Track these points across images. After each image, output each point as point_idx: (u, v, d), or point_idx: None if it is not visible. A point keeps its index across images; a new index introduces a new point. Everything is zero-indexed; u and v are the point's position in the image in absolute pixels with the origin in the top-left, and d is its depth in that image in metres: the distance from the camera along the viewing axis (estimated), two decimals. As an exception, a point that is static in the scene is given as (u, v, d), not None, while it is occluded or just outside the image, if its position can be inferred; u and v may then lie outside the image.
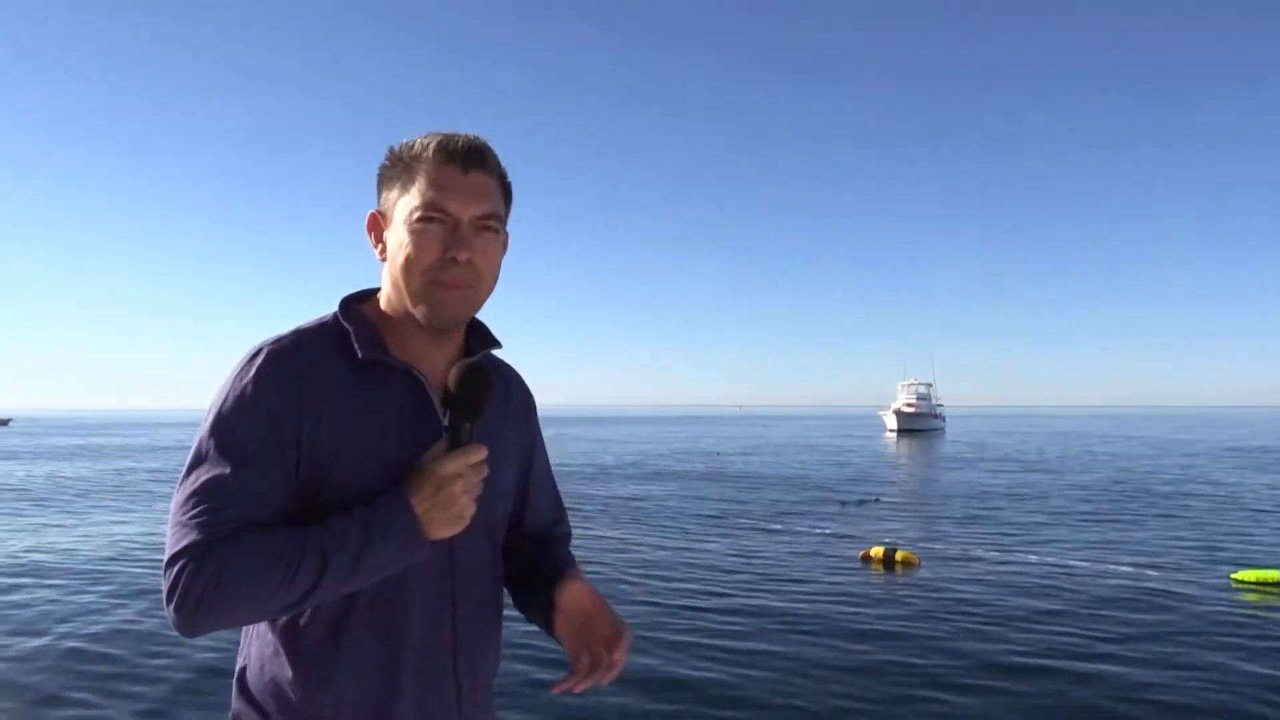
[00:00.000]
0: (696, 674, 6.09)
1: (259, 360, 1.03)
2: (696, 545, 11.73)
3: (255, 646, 1.10)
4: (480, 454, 1.03)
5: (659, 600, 8.43)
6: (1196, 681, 5.89)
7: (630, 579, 9.43)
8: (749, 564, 10.36)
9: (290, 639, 1.06)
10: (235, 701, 1.11)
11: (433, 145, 1.07)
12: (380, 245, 1.13)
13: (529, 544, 1.35)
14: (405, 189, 1.08)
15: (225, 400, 1.02)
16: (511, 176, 1.17)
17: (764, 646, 6.75)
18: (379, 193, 1.13)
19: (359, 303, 1.16)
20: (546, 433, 63.54)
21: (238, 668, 1.12)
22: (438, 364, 1.15)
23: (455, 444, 1.04)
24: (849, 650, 6.66)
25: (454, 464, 1.01)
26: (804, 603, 8.29)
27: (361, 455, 1.04)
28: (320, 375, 1.05)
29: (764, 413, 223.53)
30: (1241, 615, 7.76)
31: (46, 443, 44.50)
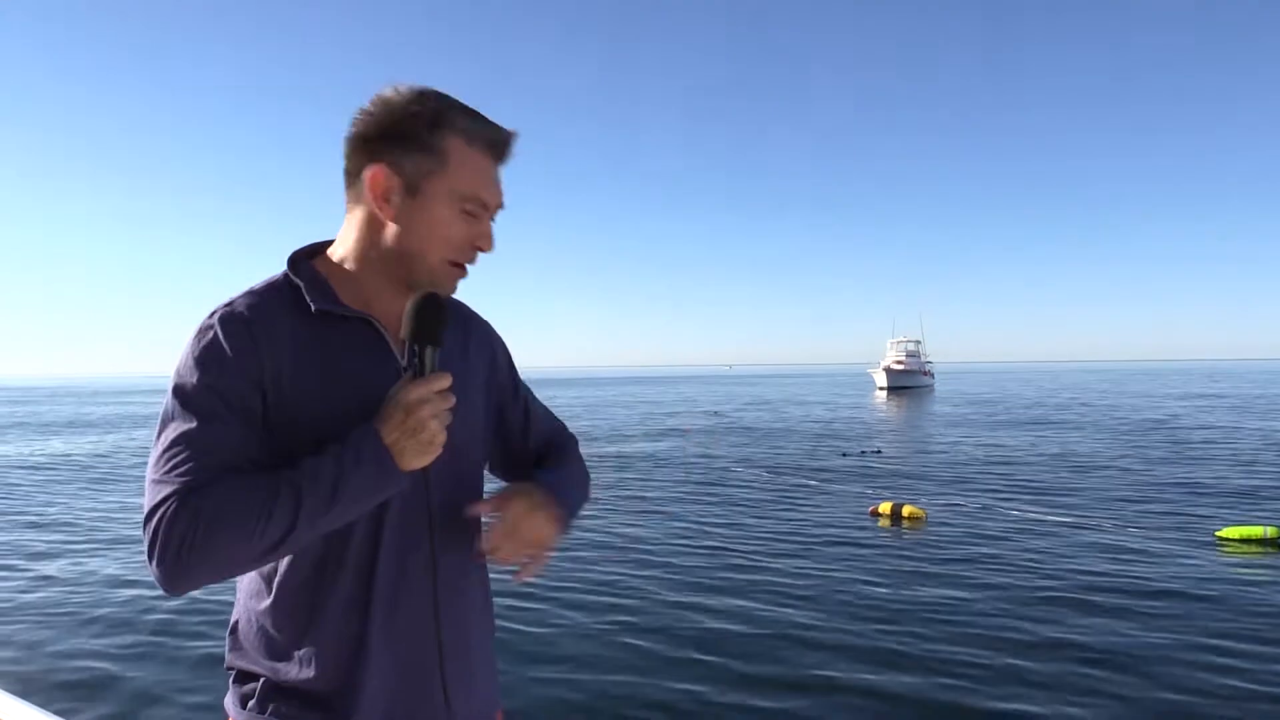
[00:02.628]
0: (715, 632, 6.31)
1: (214, 323, 1.05)
2: (706, 503, 11.96)
3: (244, 598, 1.13)
4: (444, 380, 1.04)
5: (670, 558, 8.65)
6: (1175, 638, 6.14)
7: (642, 536, 9.66)
8: (760, 522, 10.57)
9: (274, 586, 1.08)
10: (229, 655, 1.15)
11: (478, 131, 1.09)
12: (385, 205, 1.10)
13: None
14: (440, 164, 1.08)
15: (185, 363, 1.04)
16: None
17: (779, 607, 6.99)
18: (388, 146, 1.08)
19: (309, 258, 1.17)
20: (541, 396, 63.63)
21: (231, 622, 1.16)
22: (394, 310, 1.16)
23: (419, 373, 1.06)
24: (862, 611, 6.89)
25: (418, 390, 1.02)
26: (817, 560, 8.52)
27: (325, 405, 1.06)
28: (275, 331, 1.06)
29: (754, 371, 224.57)
30: (1224, 573, 8.04)
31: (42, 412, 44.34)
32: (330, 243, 1.19)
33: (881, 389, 63.29)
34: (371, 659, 1.07)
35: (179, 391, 1.02)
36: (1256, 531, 9.32)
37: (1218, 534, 9.58)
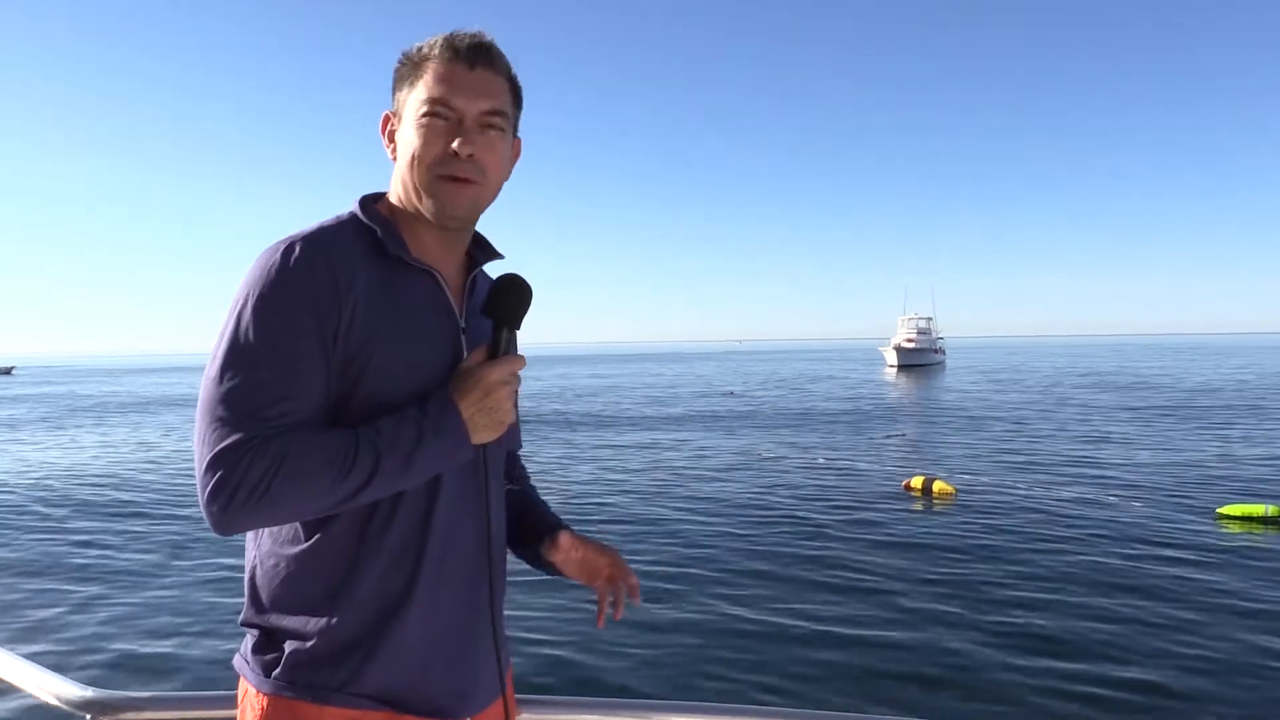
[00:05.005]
0: (798, 598, 7.05)
1: (296, 251, 1.00)
2: (742, 480, 12.56)
3: (268, 542, 1.07)
4: (521, 363, 1.08)
5: (717, 531, 9.28)
6: (1179, 611, 6.85)
7: (685, 514, 10.30)
8: (799, 499, 11.18)
9: (316, 530, 1.04)
10: (247, 609, 1.08)
11: (440, 42, 1.09)
12: (391, 145, 1.13)
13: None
14: (413, 86, 1.09)
15: (263, 290, 0.98)
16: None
17: (824, 576, 7.73)
18: (392, 94, 1.13)
19: (373, 203, 1.15)
20: (553, 373, 64.38)
21: (248, 567, 1.09)
22: (450, 267, 1.16)
23: (495, 352, 1.08)
24: (902, 580, 7.63)
25: (501, 371, 1.06)
26: (859, 533, 9.18)
27: (392, 354, 1.04)
28: (352, 272, 1.03)
29: (764, 347, 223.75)
30: (1225, 549, 8.71)
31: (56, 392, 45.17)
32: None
33: (892, 366, 63.65)
34: (414, 609, 1.05)
35: (255, 321, 0.97)
36: (1257, 510, 9.87)
37: (1219, 511, 10.19)
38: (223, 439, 0.93)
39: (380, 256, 1.07)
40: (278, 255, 1.00)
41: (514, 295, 1.11)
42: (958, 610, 6.82)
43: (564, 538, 1.24)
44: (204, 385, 0.97)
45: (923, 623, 6.53)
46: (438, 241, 1.13)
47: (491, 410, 1.05)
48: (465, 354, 1.11)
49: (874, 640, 6.17)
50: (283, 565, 1.05)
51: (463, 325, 1.13)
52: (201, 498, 0.94)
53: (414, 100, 1.08)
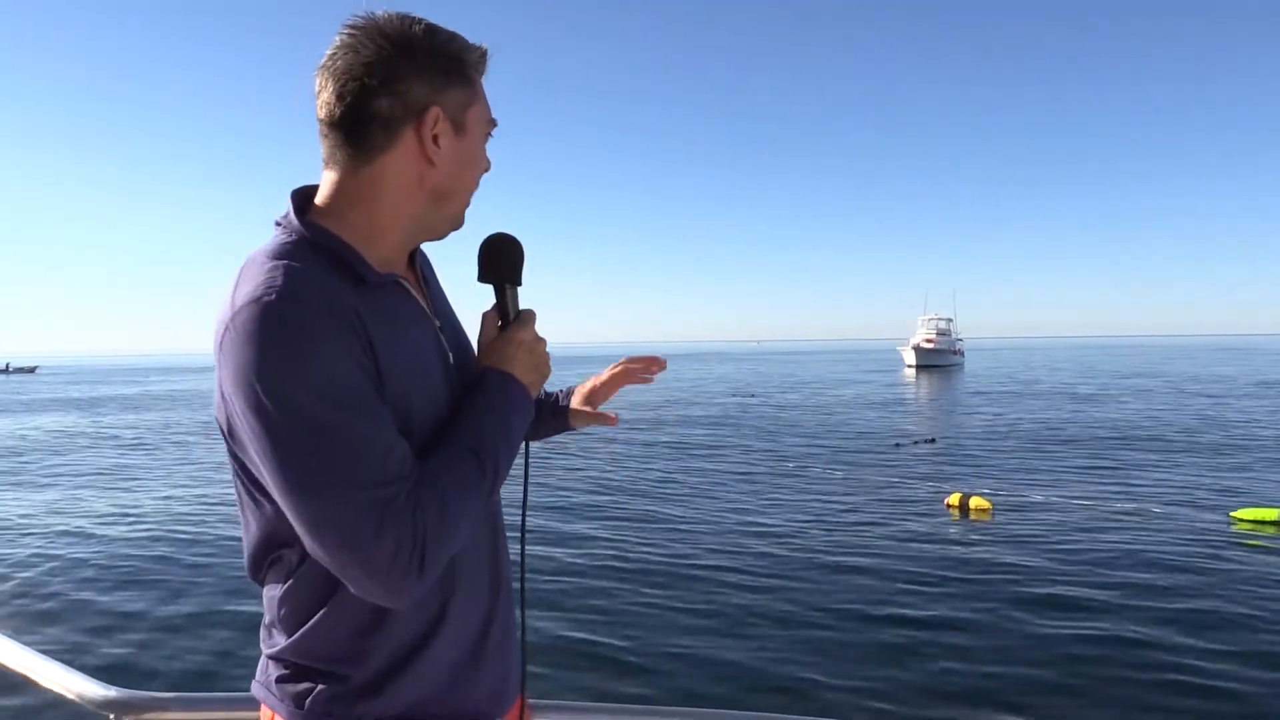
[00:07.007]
0: (848, 627, 7.29)
1: (289, 301, 0.86)
2: (778, 496, 12.78)
3: (290, 584, 0.98)
4: (534, 314, 1.10)
5: (759, 549, 9.53)
6: (1195, 620, 7.04)
7: (712, 520, 10.55)
8: (835, 514, 11.30)
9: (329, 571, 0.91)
10: (275, 635, 1.01)
11: (476, 53, 1.02)
12: (435, 148, 0.99)
13: None
14: (471, 93, 1.02)
15: (286, 356, 0.84)
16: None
17: (871, 598, 8.04)
18: (426, 86, 0.97)
19: (306, 211, 1.01)
20: (569, 373, 64.73)
21: (266, 612, 1.03)
22: (403, 266, 1.08)
23: (506, 312, 1.08)
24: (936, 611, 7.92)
25: (531, 328, 1.08)
26: (899, 561, 9.27)
27: (400, 374, 0.95)
28: (346, 302, 0.91)
29: (781, 347, 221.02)
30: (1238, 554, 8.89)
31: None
32: (313, 189, 1.04)
33: (911, 367, 63.39)
34: (444, 630, 1.01)
35: (314, 391, 0.84)
36: (1271, 514, 10.03)
37: (1233, 514, 10.36)
38: (379, 516, 0.85)
39: (353, 278, 0.96)
40: (272, 312, 0.85)
41: (509, 253, 1.11)
42: (1004, 641, 6.97)
43: (575, 397, 1.37)
44: (297, 482, 0.85)
45: (968, 642, 6.60)
46: (403, 246, 1.05)
47: (539, 366, 1.09)
48: (448, 351, 1.06)
49: (908, 658, 6.31)
50: (304, 605, 0.98)
51: (438, 324, 1.08)
52: (383, 585, 0.86)
53: (478, 113, 1.04)
